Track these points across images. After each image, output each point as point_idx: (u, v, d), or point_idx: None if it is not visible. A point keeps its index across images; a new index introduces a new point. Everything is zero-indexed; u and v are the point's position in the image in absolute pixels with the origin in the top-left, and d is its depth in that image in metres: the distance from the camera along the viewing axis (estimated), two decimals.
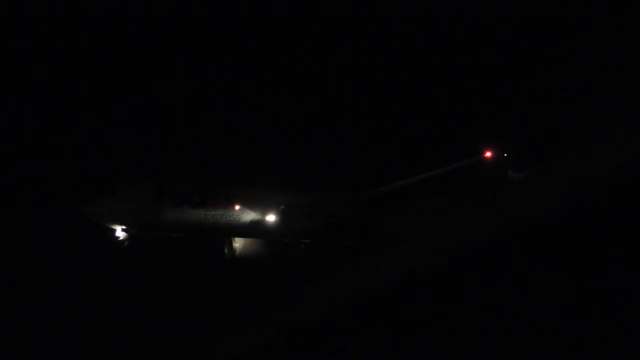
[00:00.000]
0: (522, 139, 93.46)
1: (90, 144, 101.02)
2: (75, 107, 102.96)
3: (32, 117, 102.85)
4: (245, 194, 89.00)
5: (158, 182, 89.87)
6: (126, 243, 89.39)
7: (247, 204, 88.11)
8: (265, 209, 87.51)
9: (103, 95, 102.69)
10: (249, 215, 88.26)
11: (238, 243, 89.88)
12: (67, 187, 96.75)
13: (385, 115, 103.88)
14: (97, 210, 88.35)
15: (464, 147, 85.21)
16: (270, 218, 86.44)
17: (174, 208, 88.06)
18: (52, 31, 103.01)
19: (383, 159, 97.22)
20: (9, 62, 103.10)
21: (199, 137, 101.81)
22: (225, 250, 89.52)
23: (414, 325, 76.28)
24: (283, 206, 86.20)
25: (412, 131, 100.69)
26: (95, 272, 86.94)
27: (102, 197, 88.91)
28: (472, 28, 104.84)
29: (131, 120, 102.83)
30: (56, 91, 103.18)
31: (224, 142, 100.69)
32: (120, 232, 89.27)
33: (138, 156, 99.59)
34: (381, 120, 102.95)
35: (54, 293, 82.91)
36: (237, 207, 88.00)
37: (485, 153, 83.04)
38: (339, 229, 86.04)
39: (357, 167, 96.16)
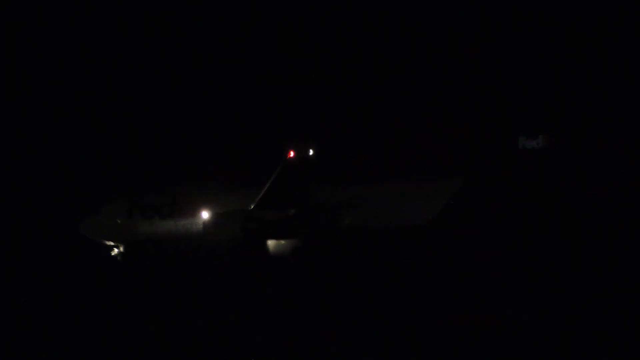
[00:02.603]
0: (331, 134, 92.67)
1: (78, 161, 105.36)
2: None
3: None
4: (211, 199, 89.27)
5: (132, 197, 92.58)
6: (119, 258, 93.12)
7: (214, 209, 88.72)
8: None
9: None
10: None
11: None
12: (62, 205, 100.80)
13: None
14: (87, 228, 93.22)
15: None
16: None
17: (145, 221, 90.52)
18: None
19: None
20: None
21: (170, 146, 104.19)
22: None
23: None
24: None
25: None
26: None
27: (89, 215, 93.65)
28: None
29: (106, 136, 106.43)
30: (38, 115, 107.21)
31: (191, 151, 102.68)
32: (113, 247, 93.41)
33: (117, 172, 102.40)
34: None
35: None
36: (204, 214, 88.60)
37: (288, 154, 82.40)
38: (259, 231, 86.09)
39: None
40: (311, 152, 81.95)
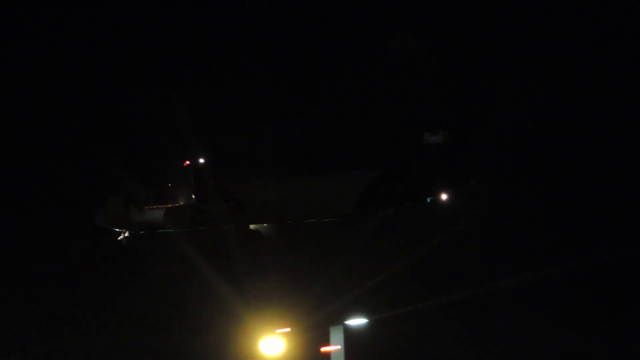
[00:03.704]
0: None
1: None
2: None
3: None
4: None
5: (127, 192, 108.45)
6: (124, 242, 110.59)
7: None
8: None
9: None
10: None
11: None
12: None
13: None
14: (99, 218, 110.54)
15: None
16: None
17: (137, 211, 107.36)
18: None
19: None
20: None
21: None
22: None
23: None
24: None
25: None
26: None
27: (99, 207, 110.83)
28: None
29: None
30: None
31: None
32: (119, 233, 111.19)
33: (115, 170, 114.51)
34: None
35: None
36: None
37: (185, 163, 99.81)
38: (204, 221, 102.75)
39: None
40: (202, 160, 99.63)
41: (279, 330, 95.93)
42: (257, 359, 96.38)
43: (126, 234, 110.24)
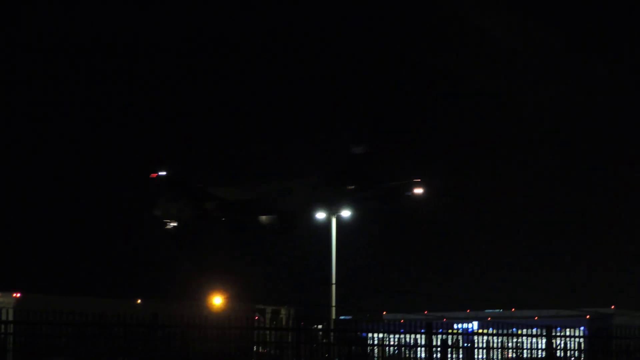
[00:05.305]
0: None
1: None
2: None
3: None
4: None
5: (167, 188, 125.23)
6: (174, 230, 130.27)
7: None
8: None
9: None
10: None
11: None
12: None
13: None
14: (157, 210, 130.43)
15: None
16: None
17: (174, 204, 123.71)
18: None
19: None
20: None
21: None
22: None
23: None
24: None
25: None
26: None
27: (156, 201, 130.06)
28: None
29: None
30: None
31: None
32: (168, 222, 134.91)
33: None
34: None
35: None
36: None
37: (151, 175, 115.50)
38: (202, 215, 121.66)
39: None
40: (163, 173, 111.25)
41: None
42: None
43: (174, 223, 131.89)
